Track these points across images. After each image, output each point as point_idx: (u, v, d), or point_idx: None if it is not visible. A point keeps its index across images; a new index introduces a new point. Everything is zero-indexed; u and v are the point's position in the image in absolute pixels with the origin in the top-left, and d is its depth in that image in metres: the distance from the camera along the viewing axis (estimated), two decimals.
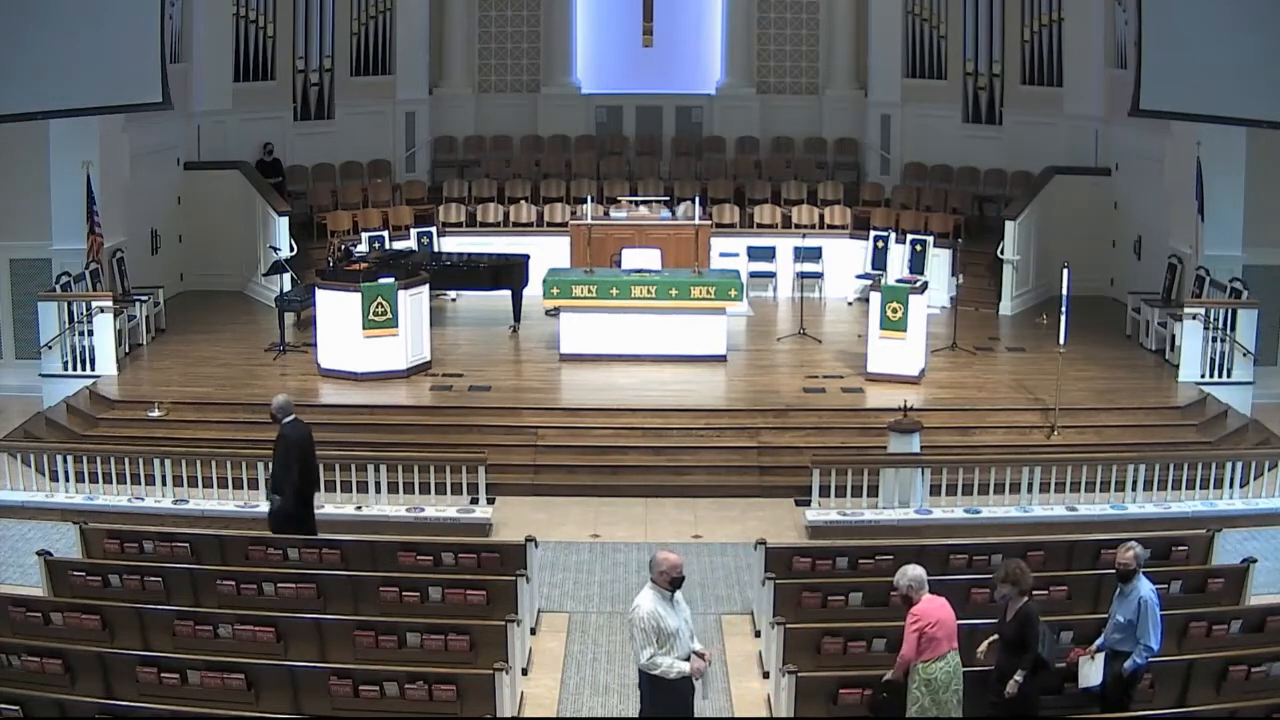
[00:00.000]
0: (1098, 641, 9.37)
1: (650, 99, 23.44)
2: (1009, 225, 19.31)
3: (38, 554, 11.29)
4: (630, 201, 20.17)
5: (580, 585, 12.39)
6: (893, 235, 20.13)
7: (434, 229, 20.53)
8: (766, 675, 10.48)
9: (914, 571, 9.03)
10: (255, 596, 10.74)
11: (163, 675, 9.42)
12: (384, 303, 16.07)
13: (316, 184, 21.65)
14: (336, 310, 16.19)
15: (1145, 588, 9.16)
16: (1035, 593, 10.58)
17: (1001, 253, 19.39)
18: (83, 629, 10.16)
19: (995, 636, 9.20)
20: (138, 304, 17.68)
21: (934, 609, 8.93)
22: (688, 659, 8.67)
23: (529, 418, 15.36)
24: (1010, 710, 8.93)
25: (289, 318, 17.63)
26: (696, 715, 8.99)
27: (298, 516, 11.98)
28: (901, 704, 9.01)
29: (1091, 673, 9.29)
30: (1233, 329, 16.09)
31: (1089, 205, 20.03)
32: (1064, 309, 15.27)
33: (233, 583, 10.82)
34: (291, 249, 18.91)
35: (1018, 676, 8.85)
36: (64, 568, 11.08)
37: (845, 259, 20.39)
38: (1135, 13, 16.47)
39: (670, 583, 8.69)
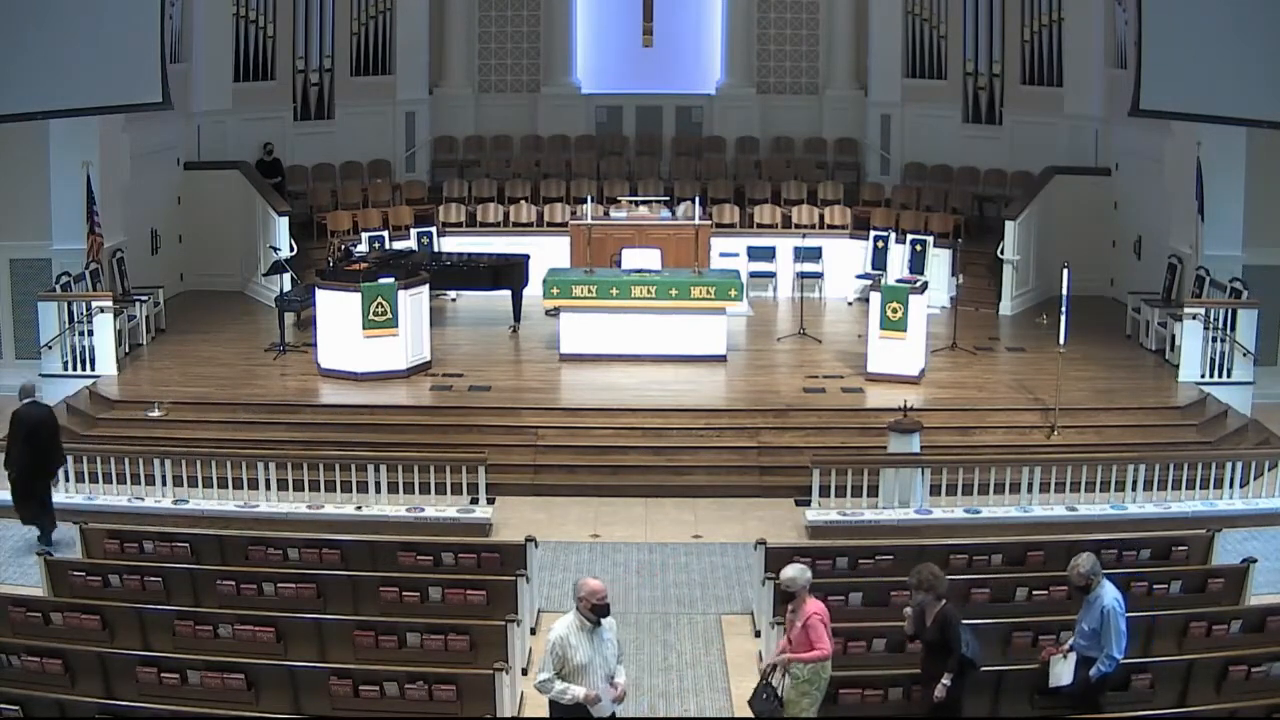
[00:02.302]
0: (1069, 641, 9.34)
1: (650, 99, 23.44)
2: (1009, 225, 19.31)
3: (38, 554, 11.30)
4: (630, 201, 20.17)
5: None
6: (893, 235, 20.13)
7: (434, 229, 20.53)
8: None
9: (806, 576, 9.04)
10: (255, 596, 10.74)
11: (163, 675, 9.42)
12: (384, 303, 16.07)
13: (316, 184, 21.65)
14: (336, 310, 16.19)
15: (1109, 596, 9.07)
16: (1035, 593, 10.65)
17: (1001, 253, 19.39)
18: (83, 629, 10.16)
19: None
20: (138, 304, 17.68)
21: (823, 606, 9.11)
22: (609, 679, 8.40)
23: (529, 418, 15.36)
24: (940, 713, 8.91)
25: (289, 318, 17.63)
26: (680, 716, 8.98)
27: (26, 494, 12.79)
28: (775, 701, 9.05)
29: (1063, 672, 9.25)
30: (1233, 329, 16.09)
31: (1089, 205, 20.02)
32: (1064, 309, 15.27)
33: (233, 583, 10.82)
34: (291, 249, 18.91)
35: (945, 679, 8.83)
36: (64, 568, 11.08)
37: (845, 259, 20.39)
38: (1135, 13, 16.48)
39: (592, 609, 8.28)
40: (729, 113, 23.37)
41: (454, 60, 23.41)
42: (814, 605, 9.04)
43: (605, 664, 8.39)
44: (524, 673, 10.55)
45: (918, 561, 11.32)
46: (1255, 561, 11.18)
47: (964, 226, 20.30)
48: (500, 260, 18.62)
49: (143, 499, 13.78)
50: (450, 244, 20.24)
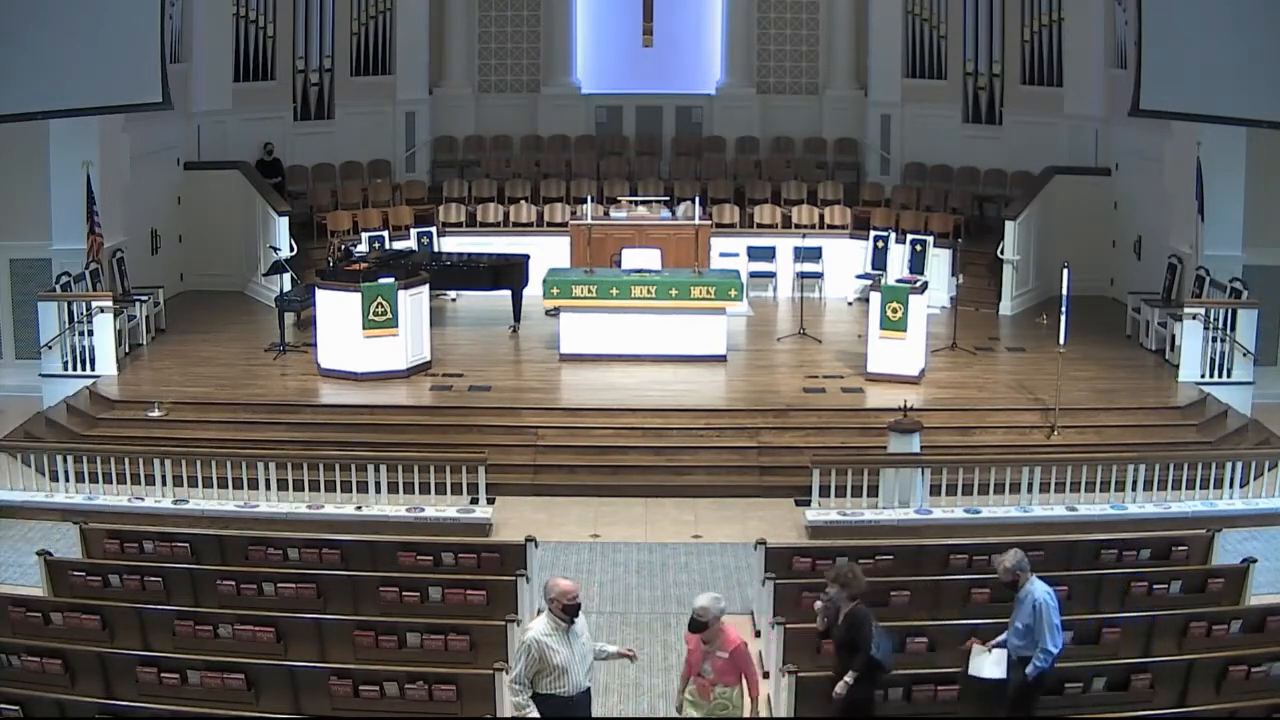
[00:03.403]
0: (999, 638, 9.30)
1: (650, 99, 23.44)
2: (1009, 225, 19.31)
3: (38, 554, 11.29)
4: (630, 201, 20.17)
5: (580, 585, 12.35)
6: (893, 235, 20.13)
7: (434, 229, 20.53)
8: (766, 675, 10.46)
9: (720, 605, 8.74)
10: (255, 596, 10.74)
11: (163, 675, 9.42)
12: (384, 303, 16.07)
13: (316, 184, 21.65)
14: (336, 310, 16.19)
15: (1039, 591, 9.01)
16: None
17: (1001, 253, 19.39)
18: (83, 629, 10.17)
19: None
20: (138, 304, 17.68)
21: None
22: (585, 692, 8.47)
23: (529, 418, 15.36)
24: (845, 712, 8.84)
25: (289, 318, 17.62)
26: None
27: None
28: None
29: (984, 664, 9.20)
30: (1233, 329, 16.08)
31: (1089, 205, 20.02)
32: (1064, 309, 15.27)
33: (233, 583, 10.82)
34: (291, 249, 18.91)
35: (848, 678, 8.78)
36: (64, 568, 11.08)
37: (845, 259, 20.39)
38: (1135, 13, 16.48)
39: (564, 610, 8.40)
40: (729, 113, 23.37)
41: (454, 60, 23.41)
42: (737, 634, 8.81)
43: (583, 660, 8.52)
44: None
45: (917, 561, 11.40)
46: (1255, 561, 11.18)
47: (964, 226, 20.30)
48: (500, 260, 18.62)
49: (143, 499, 13.78)
50: (450, 244, 20.24)
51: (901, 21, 22.38)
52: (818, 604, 9.12)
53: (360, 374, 16.10)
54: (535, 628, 8.45)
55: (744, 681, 8.73)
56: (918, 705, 9.46)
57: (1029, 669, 8.99)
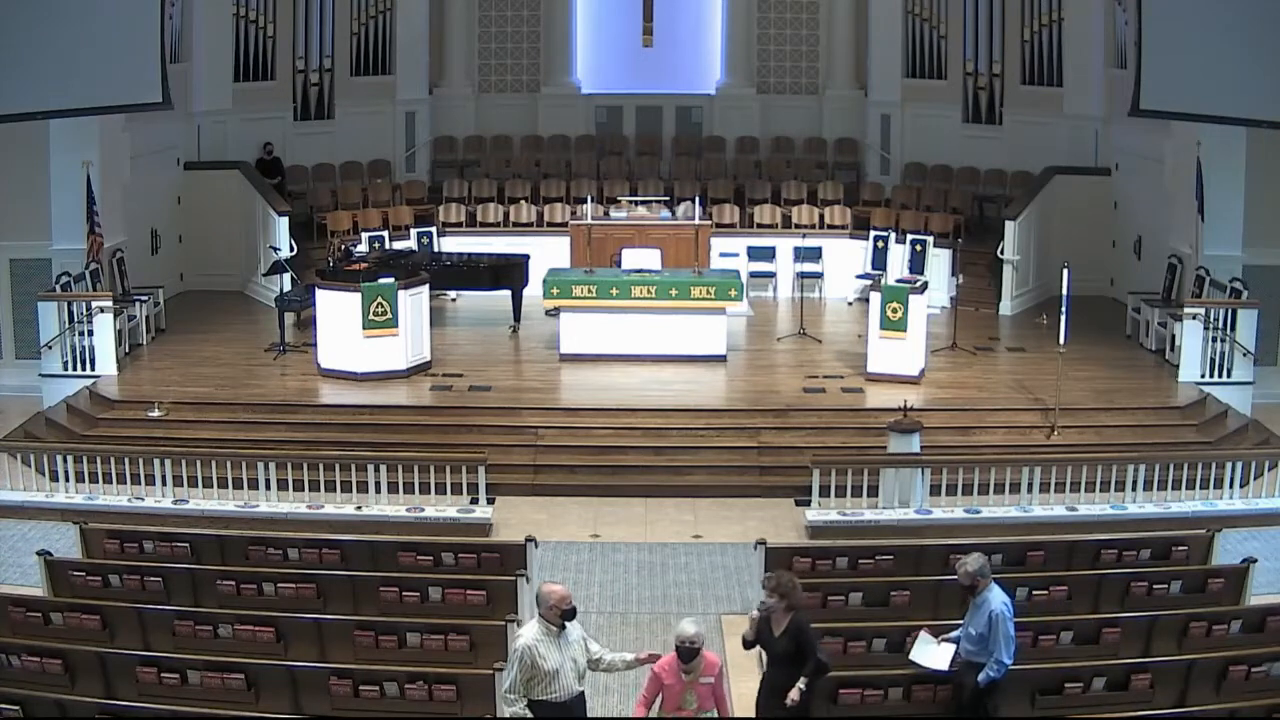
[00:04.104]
0: (953, 633, 9.31)
1: (650, 99, 23.43)
2: (1009, 225, 19.30)
3: (38, 554, 11.29)
4: (630, 201, 20.16)
5: (580, 585, 12.38)
6: (893, 235, 20.13)
7: (434, 229, 20.53)
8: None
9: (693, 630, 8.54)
10: (255, 596, 10.73)
11: (163, 675, 9.42)
12: (384, 303, 16.07)
13: (316, 184, 21.65)
14: (336, 310, 16.19)
15: (996, 600, 8.99)
16: (1035, 593, 10.64)
17: (1001, 253, 19.38)
18: (83, 629, 10.16)
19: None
20: (138, 304, 17.68)
21: None
22: (579, 695, 8.42)
23: (529, 418, 15.36)
24: (794, 713, 8.75)
25: (289, 318, 17.62)
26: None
27: None
28: None
29: (929, 654, 9.20)
30: (1233, 329, 16.08)
31: (1089, 205, 20.03)
32: (1064, 309, 15.27)
33: (233, 583, 10.82)
34: (291, 249, 18.90)
35: (802, 684, 8.65)
36: (64, 568, 11.08)
37: (845, 259, 20.38)
38: (1135, 13, 16.47)
39: (560, 616, 8.34)
40: (729, 113, 23.36)
41: (454, 60, 23.40)
42: (713, 654, 8.70)
43: (575, 666, 8.47)
44: None
45: (917, 561, 11.40)
46: (1255, 561, 11.18)
47: (964, 226, 20.29)
48: (500, 260, 18.62)
49: (143, 499, 13.78)
50: (450, 244, 20.24)
51: (901, 21, 22.37)
52: (754, 613, 8.90)
53: (360, 374, 16.09)
54: (526, 634, 8.42)
55: (722, 704, 8.60)
56: (918, 705, 9.46)
57: (981, 677, 8.96)
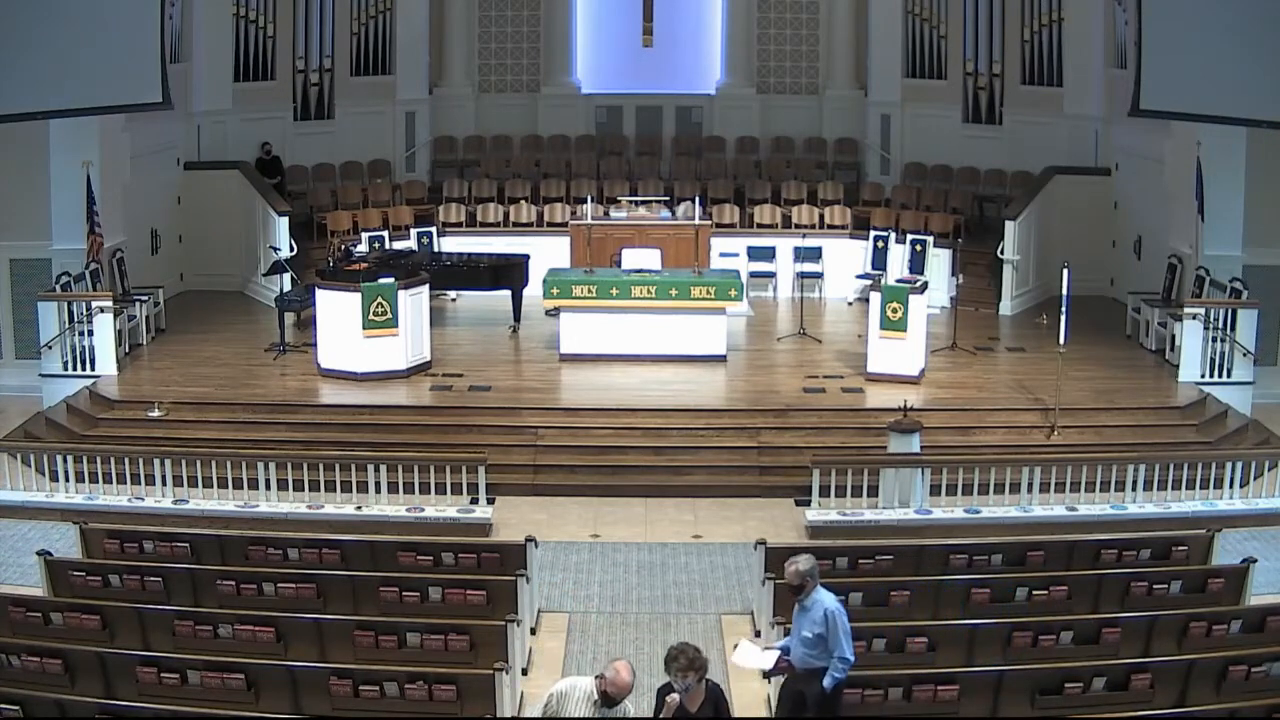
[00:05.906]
0: (781, 642, 9.25)
1: (650, 99, 23.44)
2: (1009, 225, 19.31)
3: (38, 554, 11.29)
4: (630, 201, 20.17)
5: (580, 585, 12.39)
6: (893, 235, 20.13)
7: (434, 229, 20.53)
8: (767, 676, 10.46)
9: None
10: (255, 596, 10.73)
11: (163, 675, 9.42)
12: (384, 303, 16.07)
13: (316, 184, 21.65)
14: (336, 310, 16.19)
15: (829, 601, 8.86)
16: (1035, 593, 10.66)
17: (1001, 253, 19.38)
18: (83, 629, 10.16)
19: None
20: (138, 304, 17.68)
21: None
22: None
23: (529, 418, 15.36)
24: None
25: (289, 318, 17.62)
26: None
27: None
28: None
29: (749, 655, 9.06)
30: (1233, 329, 16.08)
31: (1089, 205, 20.03)
32: (1064, 309, 15.27)
33: (233, 583, 10.82)
34: (291, 249, 18.90)
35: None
36: (64, 568, 11.08)
37: (845, 259, 20.38)
38: (1135, 13, 16.47)
39: (604, 695, 7.65)
40: (729, 113, 23.36)
41: (454, 60, 23.41)
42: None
43: None
44: (524, 673, 10.57)
45: (917, 561, 11.39)
46: (1255, 561, 11.18)
47: (964, 226, 20.29)
48: (500, 260, 18.62)
49: (143, 499, 13.78)
50: (450, 244, 20.24)
51: (901, 21, 22.38)
52: (671, 697, 7.97)
53: (360, 374, 16.09)
54: (569, 683, 7.91)
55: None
56: (918, 705, 9.45)
57: (826, 681, 8.83)
